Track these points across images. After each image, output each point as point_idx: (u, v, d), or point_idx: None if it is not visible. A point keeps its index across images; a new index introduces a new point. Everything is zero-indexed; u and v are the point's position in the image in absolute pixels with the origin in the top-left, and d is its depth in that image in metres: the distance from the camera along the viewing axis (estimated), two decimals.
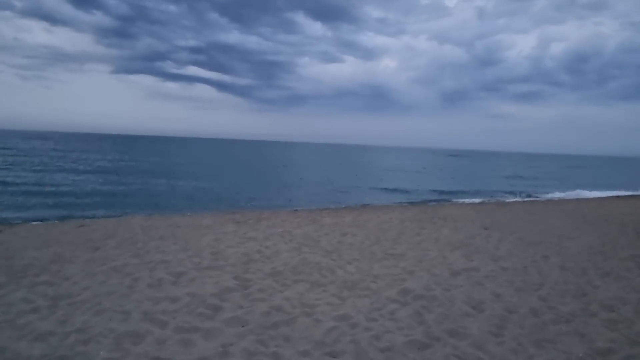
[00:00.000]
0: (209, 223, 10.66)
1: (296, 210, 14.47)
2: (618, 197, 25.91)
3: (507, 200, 20.85)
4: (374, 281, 6.19)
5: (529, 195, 24.50)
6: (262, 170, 38.95)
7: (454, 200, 20.27)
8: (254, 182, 26.14)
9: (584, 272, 7.04)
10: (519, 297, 5.72)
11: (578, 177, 46.44)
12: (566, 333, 4.62)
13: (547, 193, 26.02)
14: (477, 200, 20.46)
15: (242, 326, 4.54)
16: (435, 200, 19.80)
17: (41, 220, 11.42)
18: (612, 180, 42.24)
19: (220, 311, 4.91)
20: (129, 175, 26.12)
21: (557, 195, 25.12)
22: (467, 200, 20.10)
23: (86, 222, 10.65)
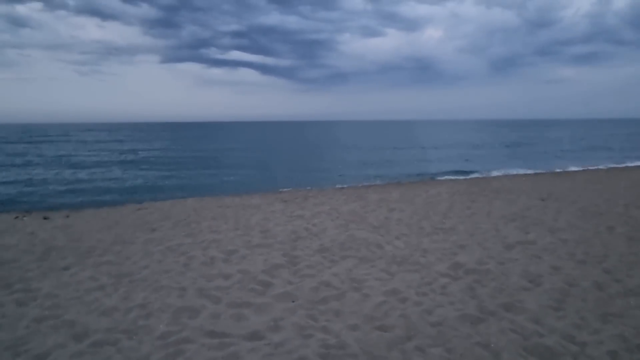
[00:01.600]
0: (258, 203, 10.88)
1: (342, 187, 14.44)
2: None
3: (566, 170, 19.65)
4: (423, 255, 6.07)
5: (590, 162, 22.95)
6: (308, 150, 39.14)
7: (507, 171, 19.38)
8: (299, 162, 26.36)
9: None
10: (580, 270, 5.40)
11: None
12: (636, 307, 4.31)
13: (604, 162, 24.23)
14: (530, 170, 19.45)
15: (293, 301, 4.61)
16: (486, 173, 19.02)
17: (104, 205, 12.15)
18: None
19: (271, 287, 5.02)
20: (180, 162, 27.16)
21: (622, 163, 23.34)
22: (520, 171, 19.17)
23: (144, 206, 11.20)
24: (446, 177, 17.51)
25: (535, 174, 18.00)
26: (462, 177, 17.17)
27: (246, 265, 5.78)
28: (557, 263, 5.67)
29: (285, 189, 14.18)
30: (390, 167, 22.31)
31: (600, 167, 21.03)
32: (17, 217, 9.80)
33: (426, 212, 9.09)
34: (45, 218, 9.60)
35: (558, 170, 19.85)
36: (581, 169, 20.34)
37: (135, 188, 15.92)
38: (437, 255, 6.06)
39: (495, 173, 18.71)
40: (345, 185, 15.14)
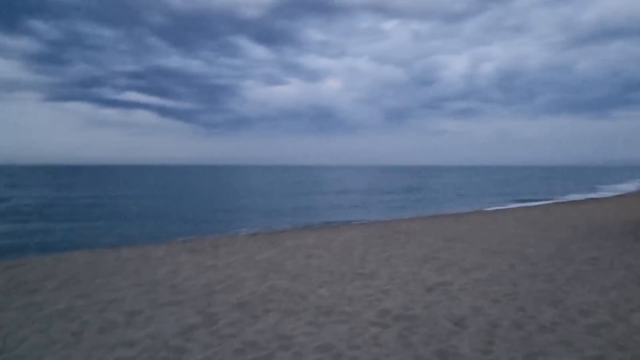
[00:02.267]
0: (162, 254, 9.87)
1: (254, 234, 13.87)
2: (557, 203, 27.52)
3: (461, 213, 21.40)
4: (349, 304, 5.85)
5: (478, 205, 25.37)
6: (213, 195, 37.71)
7: (409, 215, 20.49)
8: (204, 209, 25.11)
9: (551, 278, 7.11)
10: (497, 309, 5.60)
11: (515, 188, 49.06)
12: (554, 343, 4.50)
13: (492, 205, 27.10)
14: (431, 214, 20.83)
15: None
16: (391, 217, 19.88)
17: None
18: (545, 188, 45.06)
19: (186, 353, 4.34)
20: (66, 210, 24.18)
21: (502, 205, 26.23)
22: (421, 215, 20.40)
23: (19, 262, 9.48)
24: (354, 221, 17.89)
25: (435, 216, 19.27)
26: (372, 221, 17.67)
27: (154, 328, 5.00)
28: (475, 303, 5.83)
29: (191, 238, 13.19)
30: (300, 212, 22.29)
31: (489, 209, 23.34)
32: None
33: (344, 257, 8.99)
34: None
35: (454, 212, 21.52)
36: (472, 211, 22.33)
37: (8, 244, 13.56)
38: (363, 303, 5.88)
39: (400, 216, 19.64)
40: (257, 231, 14.58)
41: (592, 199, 30.88)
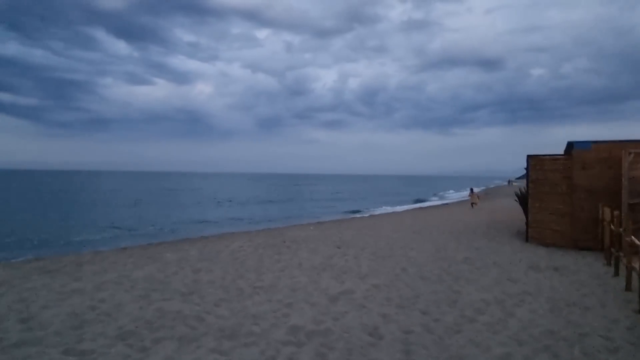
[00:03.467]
0: (4, 277, 7.89)
1: (125, 248, 12.16)
2: (422, 208, 30.39)
3: (342, 219, 22.10)
4: (255, 323, 5.26)
5: (356, 212, 26.62)
6: (67, 204, 32.75)
7: (291, 223, 20.42)
8: (54, 220, 21.55)
9: (441, 279, 7.50)
10: (404, 314, 5.60)
11: (382, 194, 53.27)
12: (464, 345, 4.59)
13: (366, 210, 28.76)
14: (313, 220, 21.09)
15: None
16: (272, 225, 19.55)
17: None
18: (407, 195, 49.82)
19: None
20: None
21: (376, 211, 28.00)
22: (305, 221, 20.52)
23: None
24: (235, 230, 17.10)
25: (319, 222, 19.52)
26: (257, 229, 17.06)
27: None
28: (382, 310, 5.75)
29: (43, 256, 10.97)
30: (173, 222, 20.57)
31: (364, 215, 24.59)
32: None
33: (236, 269, 8.29)
34: None
35: (335, 219, 22.14)
36: (350, 217, 23.27)
37: None
38: (270, 320, 5.35)
39: (281, 224, 19.43)
40: (127, 245, 12.82)
41: (446, 204, 34.99)
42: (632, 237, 6.68)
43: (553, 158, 11.92)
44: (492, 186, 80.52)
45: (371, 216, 23.29)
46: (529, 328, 5.07)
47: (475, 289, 6.84)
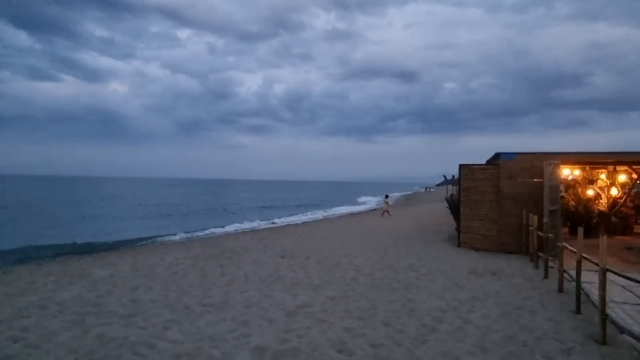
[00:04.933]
0: None
1: (39, 264, 10.74)
2: (351, 214, 30.96)
3: (275, 227, 21.73)
4: (213, 345, 4.83)
5: (285, 218, 26.37)
6: None
7: (221, 231, 19.65)
8: None
9: (392, 288, 7.57)
10: (368, 327, 5.51)
11: (309, 200, 53.60)
12: (434, 357, 4.60)
13: (297, 216, 28.67)
14: (246, 228, 20.51)
15: None
16: (199, 233, 18.64)
17: None
18: (332, 200, 50.70)
19: None
20: None
21: (306, 217, 28.01)
22: (236, 229, 19.87)
23: None
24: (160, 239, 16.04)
25: (253, 230, 18.99)
26: (188, 238, 16.11)
27: None
28: (344, 324, 5.61)
29: None
30: (84, 232, 18.75)
31: (297, 221, 24.42)
32: None
33: (179, 285, 7.67)
34: None
35: (270, 226, 21.71)
36: (284, 224, 22.97)
37: None
38: (230, 342, 4.96)
39: (212, 232, 18.62)
40: (41, 262, 11.32)
41: (373, 209, 36.03)
42: (564, 242, 7.29)
43: (482, 167, 12.77)
44: (410, 193, 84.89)
45: (305, 223, 23.22)
46: (488, 334, 5.24)
47: (428, 296, 6.99)
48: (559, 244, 7.36)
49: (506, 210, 11.81)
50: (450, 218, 19.08)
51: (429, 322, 5.68)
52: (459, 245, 12.60)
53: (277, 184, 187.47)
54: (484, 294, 7.12)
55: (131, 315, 5.90)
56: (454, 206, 14.50)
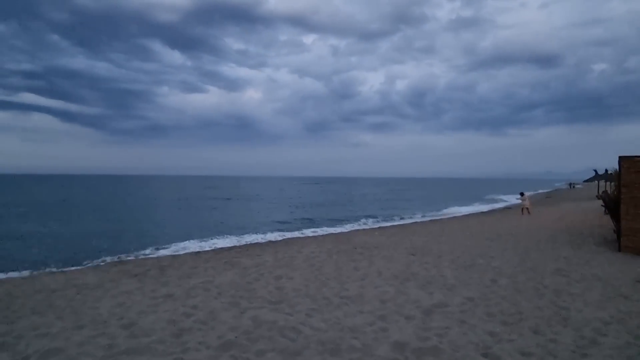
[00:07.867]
0: (95, 281, 8.23)
1: (198, 252, 12.42)
2: (484, 213, 29.06)
3: (404, 224, 21.56)
4: (354, 337, 5.02)
5: (414, 216, 25.93)
6: (130, 207, 34.48)
7: (351, 227, 20.13)
8: (122, 222, 22.62)
9: (539, 293, 6.91)
10: (515, 333, 5.14)
11: (437, 198, 51.68)
12: None
13: (428, 215, 27.89)
14: (374, 225, 20.72)
15: None
16: (334, 229, 19.34)
17: None
18: (462, 199, 48.02)
19: None
20: None
21: (436, 216, 27.09)
22: (370, 226, 20.19)
23: None
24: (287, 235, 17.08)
25: (382, 227, 19.11)
26: (322, 234, 16.96)
27: None
28: (487, 327, 5.33)
29: (125, 258, 11.42)
30: (230, 226, 20.90)
31: (425, 220, 23.83)
32: None
33: (316, 277, 8.13)
34: None
35: (398, 224, 21.63)
36: (412, 222, 22.63)
37: None
38: (369, 335, 5.10)
39: (343, 229, 19.21)
40: (202, 249, 13.08)
41: (508, 207, 33.20)
42: None
43: None
44: (550, 190, 75.98)
45: (432, 221, 22.53)
46: None
47: (584, 305, 6.23)
48: None
49: None
50: (604, 219, 16.67)
51: (589, 334, 5.07)
52: (619, 250, 10.93)
53: (400, 181, 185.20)
54: None
55: (278, 302, 6.46)
56: (613, 205, 12.61)
